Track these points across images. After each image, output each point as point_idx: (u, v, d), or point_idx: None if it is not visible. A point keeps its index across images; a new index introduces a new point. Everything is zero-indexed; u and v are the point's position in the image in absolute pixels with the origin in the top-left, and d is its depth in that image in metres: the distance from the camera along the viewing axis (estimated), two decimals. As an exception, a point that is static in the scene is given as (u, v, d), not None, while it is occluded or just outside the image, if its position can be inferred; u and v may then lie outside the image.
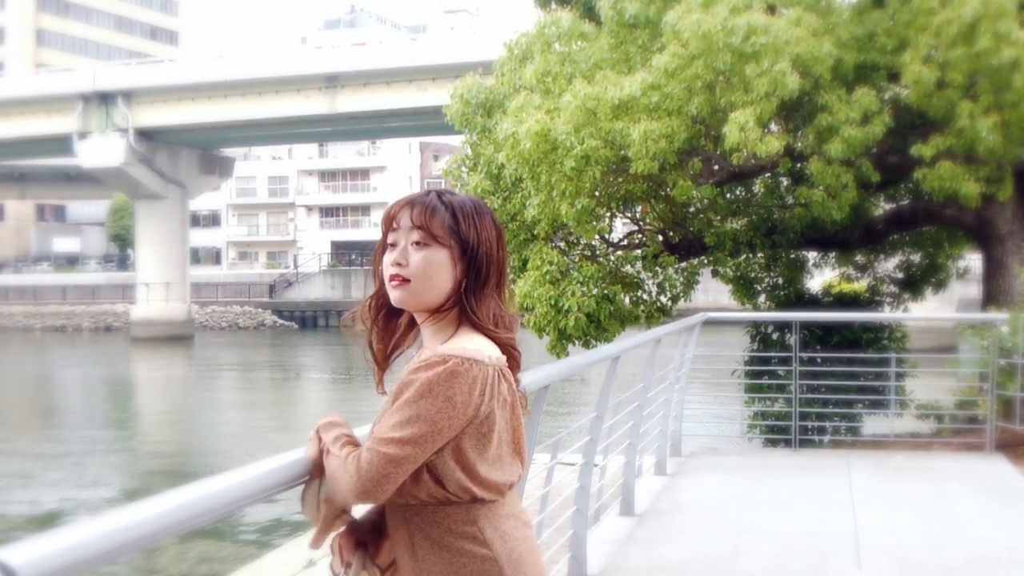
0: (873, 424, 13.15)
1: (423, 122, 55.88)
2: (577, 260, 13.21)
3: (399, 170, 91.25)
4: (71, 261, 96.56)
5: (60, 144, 63.00)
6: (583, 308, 12.07)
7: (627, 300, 13.93)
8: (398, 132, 71.01)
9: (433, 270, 2.25)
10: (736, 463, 10.37)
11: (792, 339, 12.19)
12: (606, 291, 12.62)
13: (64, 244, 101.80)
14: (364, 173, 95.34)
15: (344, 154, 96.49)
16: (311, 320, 75.81)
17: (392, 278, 2.29)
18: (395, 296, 2.30)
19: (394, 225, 2.32)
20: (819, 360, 12.55)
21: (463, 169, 14.04)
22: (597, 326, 12.46)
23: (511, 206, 12.79)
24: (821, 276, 16.39)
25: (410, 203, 2.32)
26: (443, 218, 2.27)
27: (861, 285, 15.94)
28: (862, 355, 12.06)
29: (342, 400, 38.67)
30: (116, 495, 20.88)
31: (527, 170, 11.81)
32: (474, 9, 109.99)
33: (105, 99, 61.97)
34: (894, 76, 12.44)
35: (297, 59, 61.47)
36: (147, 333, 64.36)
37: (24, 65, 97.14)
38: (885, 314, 14.91)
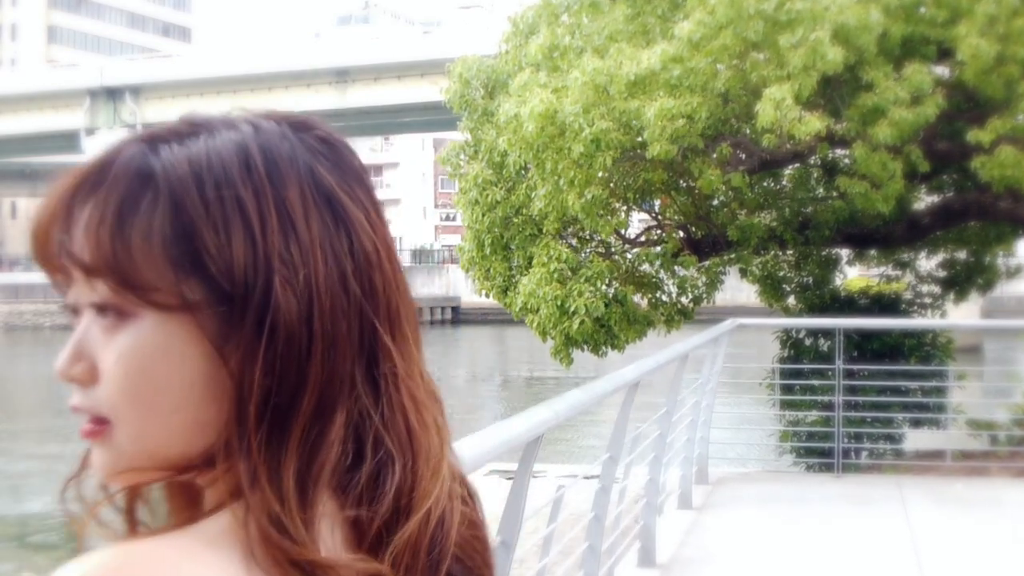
0: (920, 442, 11.79)
1: (436, 117, 54.70)
2: (590, 257, 11.88)
3: (413, 166, 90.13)
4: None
5: (67, 140, 62.26)
6: (590, 310, 10.72)
7: (644, 302, 12.64)
8: (411, 127, 70.05)
9: (153, 387, 0.80)
10: (772, 493, 9.02)
11: (829, 346, 10.91)
12: (617, 293, 11.29)
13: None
14: (377, 169, 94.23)
15: (357, 150, 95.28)
16: (323, 319, 74.80)
17: (73, 409, 0.84)
18: (93, 458, 0.85)
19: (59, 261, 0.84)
20: (858, 371, 11.18)
21: (462, 157, 12.69)
22: (607, 331, 11.13)
23: (515, 198, 11.44)
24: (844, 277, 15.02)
25: (68, 197, 0.82)
26: (152, 223, 0.80)
27: (900, 284, 14.62)
28: (916, 367, 10.73)
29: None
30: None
31: (531, 156, 10.46)
32: (489, 4, 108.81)
33: (112, 94, 61.30)
34: (945, 52, 11.07)
35: (307, 53, 60.72)
36: (155, 332, 63.46)
37: (35, 62, 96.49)
38: (941, 321, 13.50)
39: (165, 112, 60.65)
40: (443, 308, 76.28)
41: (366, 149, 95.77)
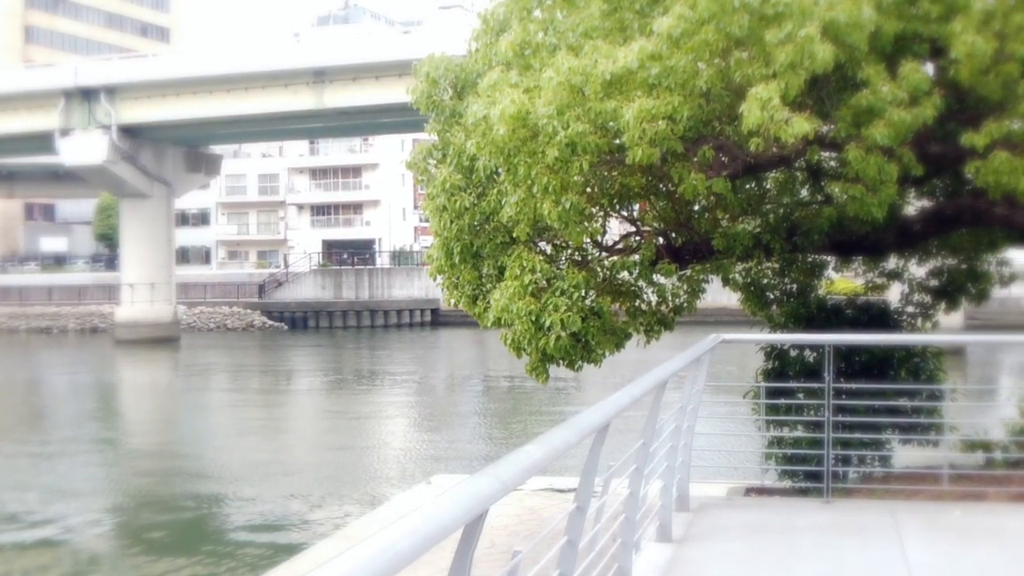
0: (913, 460, 11.23)
1: (415, 117, 53.83)
2: (565, 266, 11.26)
3: (392, 167, 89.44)
4: (58, 261, 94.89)
5: (42, 141, 61.38)
6: (567, 325, 10.10)
7: (622, 312, 12.04)
8: (390, 128, 69.41)
9: None
10: (757, 521, 8.42)
11: (815, 357, 10.36)
12: (594, 304, 10.68)
13: (51, 244, 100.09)
14: (356, 171, 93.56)
15: (336, 151, 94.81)
16: (301, 321, 74.31)
17: None
18: None
19: None
20: (850, 387, 10.59)
21: (430, 161, 12.04)
22: (584, 345, 10.53)
23: (486, 204, 10.80)
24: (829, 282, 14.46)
25: None
26: None
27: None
28: (910, 387, 10.15)
29: (332, 403, 36.87)
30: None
31: (502, 161, 9.82)
32: (469, 4, 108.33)
33: (87, 95, 60.43)
34: (938, 50, 10.49)
35: (284, 53, 60.12)
36: (132, 335, 62.85)
37: (11, 62, 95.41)
38: (933, 336, 12.90)
39: (141, 113, 59.84)
40: (422, 311, 75.79)
41: (345, 150, 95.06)
